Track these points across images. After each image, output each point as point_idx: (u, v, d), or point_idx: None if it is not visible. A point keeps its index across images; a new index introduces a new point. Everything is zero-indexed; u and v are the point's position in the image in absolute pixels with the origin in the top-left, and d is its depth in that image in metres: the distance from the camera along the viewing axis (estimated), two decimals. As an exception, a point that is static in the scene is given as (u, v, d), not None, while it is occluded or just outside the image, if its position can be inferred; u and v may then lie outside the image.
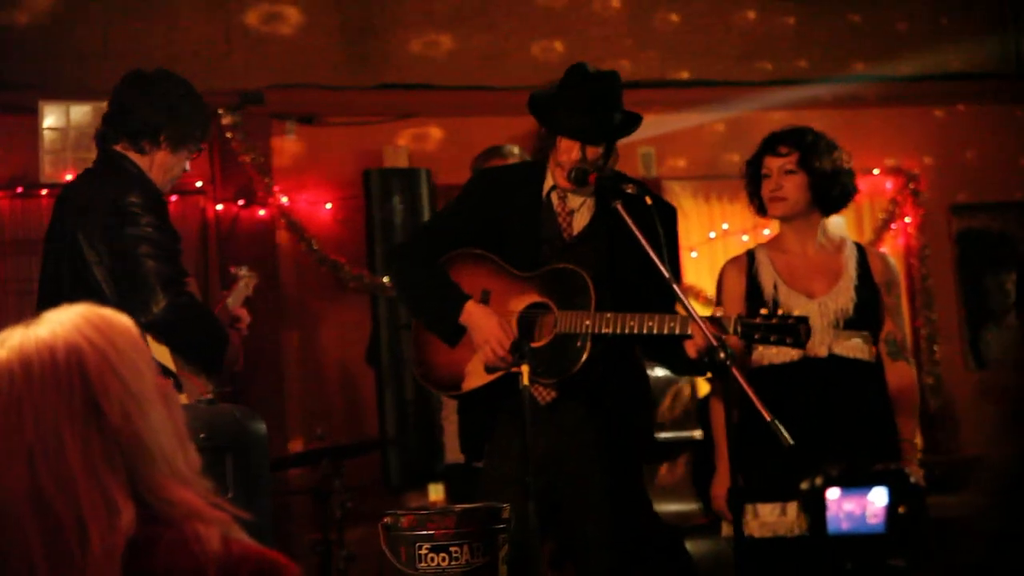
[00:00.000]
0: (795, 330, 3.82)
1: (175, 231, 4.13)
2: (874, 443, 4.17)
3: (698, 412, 6.59)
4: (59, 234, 4.11)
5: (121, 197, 4.00)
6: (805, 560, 3.98)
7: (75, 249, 4.01)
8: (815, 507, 1.65)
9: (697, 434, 6.46)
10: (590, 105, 4.06)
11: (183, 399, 1.70)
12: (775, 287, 4.31)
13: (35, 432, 1.68)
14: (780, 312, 3.85)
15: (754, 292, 4.32)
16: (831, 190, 4.35)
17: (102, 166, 4.19)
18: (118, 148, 4.16)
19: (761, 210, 4.45)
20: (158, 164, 4.16)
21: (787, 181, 4.32)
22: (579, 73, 4.10)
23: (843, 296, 4.29)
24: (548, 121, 4.15)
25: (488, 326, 4.11)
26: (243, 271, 4.64)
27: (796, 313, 4.19)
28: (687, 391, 6.62)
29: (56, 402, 1.69)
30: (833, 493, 1.65)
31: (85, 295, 1.72)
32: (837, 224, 4.72)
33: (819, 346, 4.19)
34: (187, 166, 4.28)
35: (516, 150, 5.35)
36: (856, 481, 1.64)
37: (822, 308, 4.27)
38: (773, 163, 4.35)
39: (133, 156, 4.15)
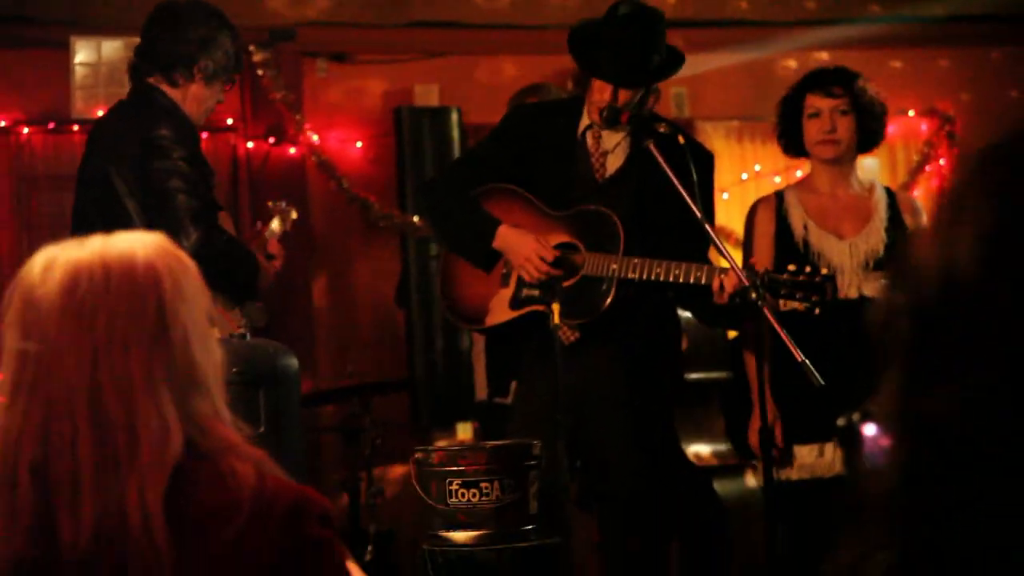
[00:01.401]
0: (821, 288, 3.79)
1: (208, 165, 4.10)
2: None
3: (729, 352, 6.56)
4: (91, 168, 4.10)
5: (152, 130, 3.97)
6: (838, 499, 3.97)
7: (107, 183, 3.99)
8: (851, 443, 1.64)
9: (727, 375, 6.44)
10: (627, 48, 3.98)
11: (217, 334, 1.71)
12: (805, 227, 4.27)
13: (105, 334, 1.69)
14: (808, 270, 3.82)
15: (784, 233, 4.28)
16: (878, 132, 4.32)
17: (134, 99, 4.16)
18: (151, 81, 4.12)
19: (792, 149, 4.38)
20: (192, 96, 4.12)
21: (841, 123, 4.25)
22: (621, 11, 4.03)
23: (874, 237, 4.26)
24: (584, 60, 4.10)
25: (525, 244, 4.08)
26: (281, 205, 4.60)
27: (827, 254, 4.18)
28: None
29: (128, 313, 1.71)
30: (870, 429, 1.64)
31: (118, 229, 1.74)
32: (870, 167, 4.67)
33: (849, 287, 4.17)
34: (221, 97, 4.25)
35: (554, 89, 5.30)
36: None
37: (852, 249, 4.24)
38: (824, 103, 4.23)
39: (166, 88, 4.10)
